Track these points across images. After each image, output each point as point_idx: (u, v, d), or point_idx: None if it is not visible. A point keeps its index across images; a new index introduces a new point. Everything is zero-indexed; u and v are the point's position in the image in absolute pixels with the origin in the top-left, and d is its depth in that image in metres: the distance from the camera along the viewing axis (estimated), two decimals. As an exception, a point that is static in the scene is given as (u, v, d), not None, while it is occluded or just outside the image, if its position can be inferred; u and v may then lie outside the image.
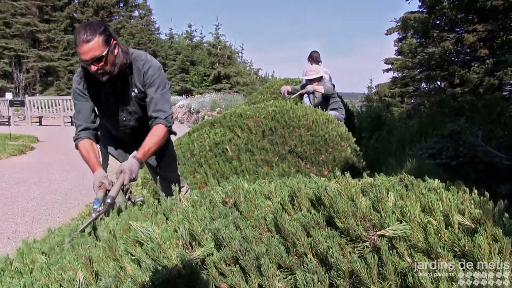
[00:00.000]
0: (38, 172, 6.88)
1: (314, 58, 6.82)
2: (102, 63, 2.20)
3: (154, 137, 2.39)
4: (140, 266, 1.41)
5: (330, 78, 6.69)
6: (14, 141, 10.23)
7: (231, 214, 1.45)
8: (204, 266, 1.29)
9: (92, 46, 2.13)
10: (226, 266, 1.26)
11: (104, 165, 2.86)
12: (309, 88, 5.61)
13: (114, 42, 2.26)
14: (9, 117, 16.12)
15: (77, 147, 2.46)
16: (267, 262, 1.13)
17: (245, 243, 1.26)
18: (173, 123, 2.58)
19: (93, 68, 2.19)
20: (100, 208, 2.07)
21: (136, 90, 2.49)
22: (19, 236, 3.69)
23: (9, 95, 12.19)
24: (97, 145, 2.59)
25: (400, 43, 20.21)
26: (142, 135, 2.77)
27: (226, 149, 4.09)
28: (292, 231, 1.24)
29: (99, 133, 2.82)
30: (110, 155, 2.85)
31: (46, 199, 5.13)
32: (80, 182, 5.97)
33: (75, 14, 32.65)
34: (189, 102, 18.93)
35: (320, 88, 5.57)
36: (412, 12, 17.11)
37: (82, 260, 1.45)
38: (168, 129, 2.47)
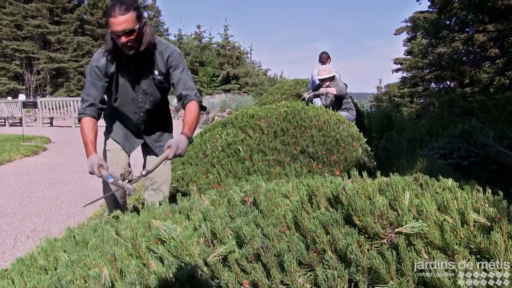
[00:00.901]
0: (52, 172, 6.98)
1: (321, 59, 6.87)
2: (132, 37, 2.33)
3: (192, 112, 2.51)
4: (163, 263, 1.46)
5: (339, 77, 6.73)
6: (27, 142, 10.37)
7: (251, 212, 1.49)
8: (226, 263, 1.34)
9: (127, 18, 2.27)
10: (248, 263, 1.30)
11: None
12: (322, 90, 5.69)
13: (144, 20, 2.42)
14: (21, 118, 16.35)
15: (79, 121, 2.54)
16: (290, 258, 1.17)
17: (267, 240, 1.30)
18: (202, 99, 2.72)
19: (123, 39, 2.31)
20: (136, 176, 2.31)
21: (156, 72, 2.62)
22: (38, 235, 3.76)
23: (22, 97, 12.33)
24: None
25: (409, 43, 20.16)
26: (153, 121, 2.86)
27: (239, 149, 4.14)
28: (312, 229, 1.29)
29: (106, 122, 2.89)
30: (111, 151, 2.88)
31: (61, 199, 5.21)
32: (93, 183, 6.05)
33: (84, 16, 32.89)
34: (199, 103, 18.99)
35: (332, 90, 5.64)
36: (421, 12, 17.07)
37: (108, 257, 1.51)
38: (199, 104, 2.59)
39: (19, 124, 16.90)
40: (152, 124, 2.88)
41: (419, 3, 17.59)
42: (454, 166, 4.43)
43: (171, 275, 1.36)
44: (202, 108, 2.68)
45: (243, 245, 1.35)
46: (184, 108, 2.57)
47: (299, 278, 1.21)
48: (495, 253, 1.13)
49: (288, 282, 1.20)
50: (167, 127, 3.02)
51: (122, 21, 2.27)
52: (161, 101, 2.83)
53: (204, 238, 1.46)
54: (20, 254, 3.00)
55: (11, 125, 17.61)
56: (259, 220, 1.43)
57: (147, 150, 2.98)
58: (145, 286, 1.38)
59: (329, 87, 5.91)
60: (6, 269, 1.97)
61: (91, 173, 2.34)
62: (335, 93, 5.62)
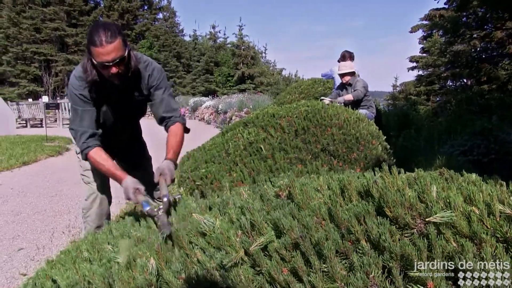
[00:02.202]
0: (76, 172, 7.09)
1: (341, 56, 6.94)
2: (122, 65, 2.14)
3: (177, 136, 2.40)
4: (205, 254, 1.57)
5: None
6: (50, 143, 10.65)
7: (287, 205, 1.59)
8: (266, 252, 1.44)
9: (115, 45, 2.05)
10: (287, 252, 1.41)
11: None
12: (340, 99, 5.81)
13: (128, 43, 2.20)
14: (41, 120, 16.72)
15: (87, 156, 2.29)
16: (329, 245, 1.27)
17: (305, 230, 1.40)
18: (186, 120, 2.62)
19: (114, 69, 2.11)
20: (161, 207, 2.06)
21: (137, 93, 2.46)
22: (72, 231, 3.92)
23: (45, 98, 12.64)
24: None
25: (425, 41, 20.01)
26: (133, 137, 2.83)
27: (261, 148, 4.23)
28: (347, 219, 1.38)
29: None
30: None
31: (87, 197, 5.39)
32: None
33: (101, 18, 33.40)
34: (216, 102, 19.22)
35: (349, 97, 5.76)
36: (437, 9, 16.96)
37: (154, 247, 1.62)
38: (184, 126, 2.49)
39: (39, 125, 17.28)
40: (130, 139, 2.83)
41: (437, 2, 17.46)
42: (474, 163, 4.47)
43: (213, 264, 1.47)
44: (186, 130, 2.52)
45: (281, 235, 1.45)
46: (167, 130, 2.43)
47: (336, 265, 1.30)
48: (521, 241, 1.21)
49: (325, 269, 1.30)
50: (140, 136, 2.99)
51: (111, 49, 2.03)
52: (140, 118, 2.77)
53: (243, 230, 1.56)
54: (56, 249, 3.15)
55: (32, 126, 18.01)
56: (295, 212, 1.53)
57: (123, 164, 2.81)
58: (190, 274, 1.49)
59: (349, 83, 6.01)
60: (52, 259, 2.10)
61: (128, 199, 2.17)
62: (352, 99, 5.75)
